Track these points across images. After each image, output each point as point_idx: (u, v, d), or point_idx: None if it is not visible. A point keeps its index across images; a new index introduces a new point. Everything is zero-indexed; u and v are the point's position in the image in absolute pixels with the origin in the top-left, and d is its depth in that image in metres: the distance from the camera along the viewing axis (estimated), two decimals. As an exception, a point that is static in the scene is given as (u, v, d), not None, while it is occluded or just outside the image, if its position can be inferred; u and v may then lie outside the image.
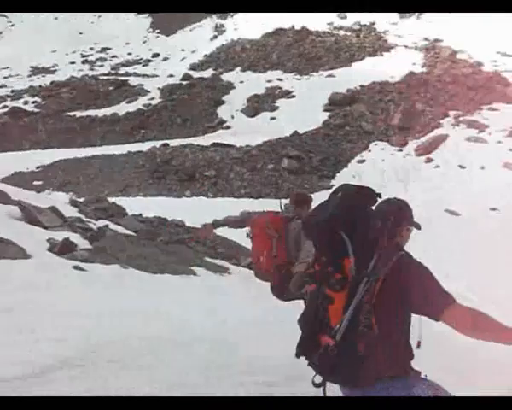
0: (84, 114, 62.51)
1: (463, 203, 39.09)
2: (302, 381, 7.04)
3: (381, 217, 3.77)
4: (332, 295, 3.50)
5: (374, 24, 76.35)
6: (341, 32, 75.55)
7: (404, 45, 70.11)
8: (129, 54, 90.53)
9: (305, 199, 7.74)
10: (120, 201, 24.79)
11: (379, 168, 46.93)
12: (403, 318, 3.67)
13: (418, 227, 4.86)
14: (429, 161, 47.59)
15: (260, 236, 7.16)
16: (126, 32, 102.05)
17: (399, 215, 4.39)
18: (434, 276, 3.69)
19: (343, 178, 46.15)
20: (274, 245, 6.95)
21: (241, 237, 26.05)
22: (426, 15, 74.04)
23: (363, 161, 48.26)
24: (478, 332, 3.39)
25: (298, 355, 3.80)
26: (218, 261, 18.18)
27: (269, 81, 65.72)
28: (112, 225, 17.57)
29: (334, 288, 3.48)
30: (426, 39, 70.43)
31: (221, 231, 25.50)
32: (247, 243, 24.48)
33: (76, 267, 11.46)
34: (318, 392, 3.66)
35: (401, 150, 49.36)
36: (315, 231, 3.76)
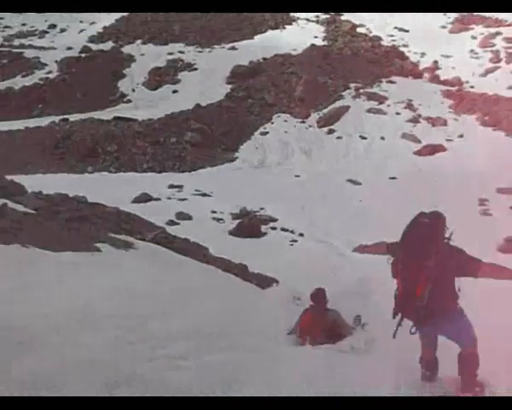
0: (-24, 88, 57.97)
1: (364, 173, 39.77)
2: (211, 354, 7.39)
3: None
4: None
5: (276, -3, 76.07)
6: (244, 5, 74.64)
7: (305, 19, 70.24)
8: (23, 25, 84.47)
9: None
10: (19, 179, 22.94)
11: (282, 140, 46.86)
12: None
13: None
14: (331, 132, 48.16)
15: None
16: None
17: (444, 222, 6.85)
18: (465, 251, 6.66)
19: (246, 150, 45.80)
20: None
21: (143, 211, 24.92)
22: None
23: (266, 133, 47.97)
24: (499, 275, 6.35)
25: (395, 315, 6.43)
26: (123, 237, 17.12)
27: (170, 54, 63.80)
28: (11, 204, 16.07)
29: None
30: (327, 13, 71.03)
31: (127, 208, 24.43)
32: (151, 217, 23.54)
33: (-26, 248, 10.58)
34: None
35: (304, 122, 49.59)
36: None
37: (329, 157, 44.40)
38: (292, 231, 27.99)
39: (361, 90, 53.00)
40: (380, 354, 8.70)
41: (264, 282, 17.08)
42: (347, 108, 50.24)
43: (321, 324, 10.20)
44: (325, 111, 50.44)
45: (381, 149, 45.32)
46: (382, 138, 47.22)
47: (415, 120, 51.59)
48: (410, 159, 43.54)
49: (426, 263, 5.97)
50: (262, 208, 31.15)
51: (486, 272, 6.16)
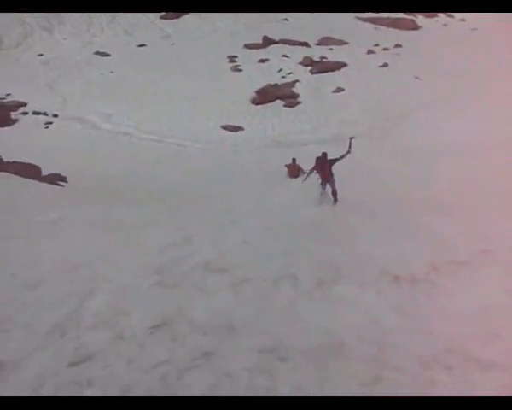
0: None
1: (112, 44, 38.85)
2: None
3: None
4: None
5: None
6: None
7: None
8: None
9: None
10: None
11: (20, 18, 42.56)
12: None
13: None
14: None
15: None
16: None
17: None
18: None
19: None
20: None
21: None
22: None
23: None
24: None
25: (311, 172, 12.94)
26: None
27: None
28: None
29: None
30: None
31: None
32: None
33: None
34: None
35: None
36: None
37: (74, 31, 42.06)
38: (45, 113, 26.99)
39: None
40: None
41: (24, 171, 16.41)
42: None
43: None
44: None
45: (127, 18, 44.29)
46: (127, 6, 46.02)
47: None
48: (157, 24, 43.47)
49: (325, 167, 12.54)
50: (8, 94, 29.03)
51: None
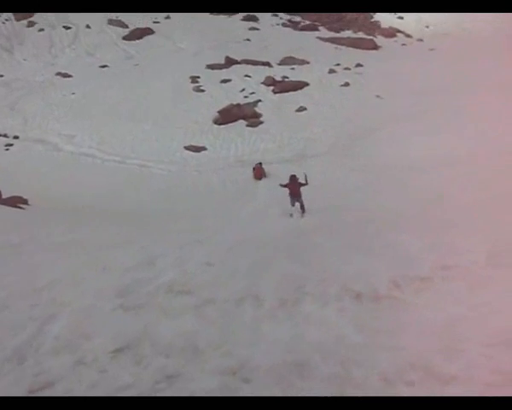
0: None
1: (74, 64, 38.54)
2: None
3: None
4: None
5: None
6: None
7: None
8: None
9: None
10: None
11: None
12: None
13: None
14: (31, 24, 44.85)
15: None
16: None
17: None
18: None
19: None
20: None
21: None
22: None
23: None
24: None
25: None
26: None
27: None
28: None
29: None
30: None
31: None
32: None
33: None
34: None
35: (-1, 15, 44.89)
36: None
37: (35, 51, 41.59)
38: (5, 135, 26.53)
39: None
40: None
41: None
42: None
43: None
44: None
45: (89, 38, 44.08)
46: (88, 27, 45.84)
47: (120, 5, 51.14)
48: (119, 45, 43.36)
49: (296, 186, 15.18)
50: (-33, 116, 28.48)
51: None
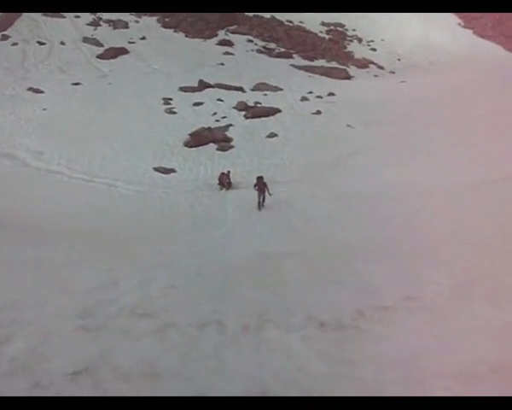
0: None
1: (46, 80, 38.22)
2: None
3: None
4: None
5: None
6: None
7: None
8: None
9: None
10: None
11: None
12: None
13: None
14: (5, 38, 44.41)
15: None
16: None
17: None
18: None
19: None
20: None
21: None
22: None
23: None
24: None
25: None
26: None
27: None
28: None
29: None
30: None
31: None
32: None
33: None
34: None
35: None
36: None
37: (8, 65, 41.07)
38: (-28, 150, 26.01)
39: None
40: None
41: None
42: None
43: None
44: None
45: (63, 55, 43.82)
46: (63, 43, 45.62)
47: (95, 24, 51.09)
48: (93, 63, 43.19)
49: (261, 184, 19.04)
50: None
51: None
